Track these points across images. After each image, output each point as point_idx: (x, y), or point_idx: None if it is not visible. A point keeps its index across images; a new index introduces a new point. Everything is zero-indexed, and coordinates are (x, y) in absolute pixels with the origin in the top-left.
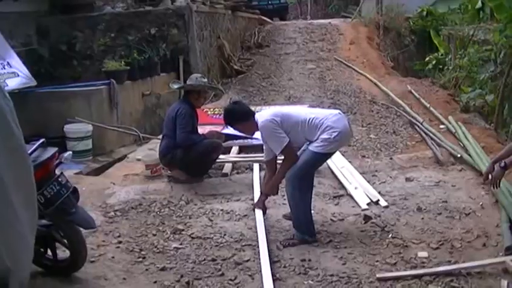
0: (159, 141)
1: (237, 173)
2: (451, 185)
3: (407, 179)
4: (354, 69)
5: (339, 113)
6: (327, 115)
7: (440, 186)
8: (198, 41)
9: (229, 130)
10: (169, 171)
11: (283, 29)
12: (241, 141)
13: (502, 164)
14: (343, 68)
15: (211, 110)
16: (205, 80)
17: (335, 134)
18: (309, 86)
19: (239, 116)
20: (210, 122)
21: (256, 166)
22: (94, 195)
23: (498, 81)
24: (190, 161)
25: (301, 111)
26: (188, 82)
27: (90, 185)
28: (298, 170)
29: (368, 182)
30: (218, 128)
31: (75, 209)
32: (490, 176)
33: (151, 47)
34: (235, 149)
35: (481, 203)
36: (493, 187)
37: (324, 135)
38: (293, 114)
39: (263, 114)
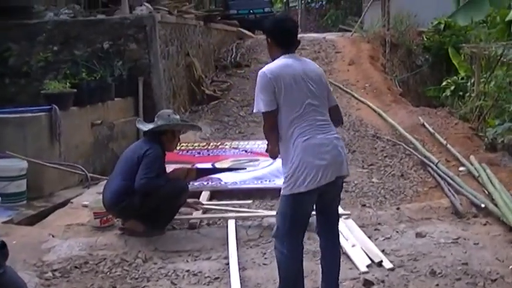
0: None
1: (208, 224)
2: (472, 243)
3: (418, 235)
4: (353, 96)
5: (328, 126)
6: (312, 123)
7: (459, 244)
8: (162, 58)
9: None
10: (122, 222)
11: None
12: (213, 184)
13: None
14: (340, 95)
15: (179, 146)
16: (178, 117)
17: (298, 168)
18: None
19: None
20: (177, 159)
21: (231, 222)
22: (27, 251)
23: None
24: (150, 209)
25: (301, 94)
26: (159, 121)
27: (22, 238)
28: (275, 229)
29: (369, 237)
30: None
31: (2, 270)
32: None
33: (104, 64)
34: (205, 194)
35: (510, 267)
36: None
37: (284, 168)
38: (292, 91)
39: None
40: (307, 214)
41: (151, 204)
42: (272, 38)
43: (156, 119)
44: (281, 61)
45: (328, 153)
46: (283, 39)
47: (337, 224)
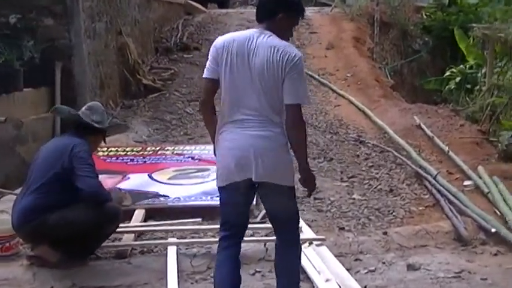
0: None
1: (142, 252)
2: (479, 278)
3: (411, 267)
4: (331, 88)
5: (254, 121)
6: (238, 115)
7: (462, 279)
8: (87, 38)
9: (133, 181)
10: (31, 248)
11: (223, 22)
12: (149, 200)
13: None
14: (315, 87)
15: (106, 150)
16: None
17: (217, 161)
18: None
19: None
20: (106, 168)
21: (172, 249)
22: None
23: None
24: (68, 231)
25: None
26: (94, 116)
27: None
28: None
29: (348, 270)
30: (116, 179)
31: None
32: None
33: (10, 45)
34: (140, 214)
35: None
36: None
37: None
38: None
39: None
40: (232, 213)
41: (73, 228)
42: None
43: (87, 112)
44: (242, 32)
45: (235, 151)
46: (256, 9)
47: (290, 235)
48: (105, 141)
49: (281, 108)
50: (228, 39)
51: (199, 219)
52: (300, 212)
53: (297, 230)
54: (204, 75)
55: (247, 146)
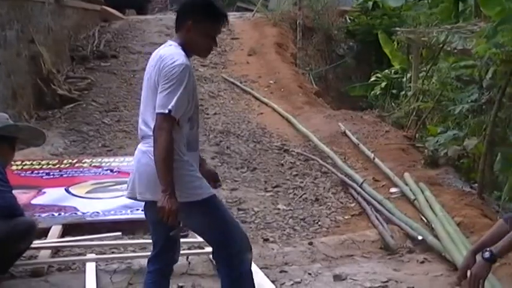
0: None
1: (59, 269)
2: (406, 287)
3: (337, 277)
4: (254, 96)
5: (144, 134)
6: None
7: None
8: None
9: (49, 196)
10: None
11: (141, 29)
12: (66, 215)
13: (487, 255)
14: (237, 95)
15: (20, 164)
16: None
17: None
18: None
19: None
20: (20, 183)
21: (91, 266)
22: None
23: (484, 117)
24: None
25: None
26: None
27: None
28: None
29: (273, 282)
30: (31, 194)
31: None
32: (468, 273)
33: None
34: (56, 229)
35: None
36: None
37: None
38: None
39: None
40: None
41: None
42: None
43: None
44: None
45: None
46: None
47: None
48: (13, 150)
49: None
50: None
51: (119, 234)
52: None
53: (221, 251)
54: None
55: (134, 162)
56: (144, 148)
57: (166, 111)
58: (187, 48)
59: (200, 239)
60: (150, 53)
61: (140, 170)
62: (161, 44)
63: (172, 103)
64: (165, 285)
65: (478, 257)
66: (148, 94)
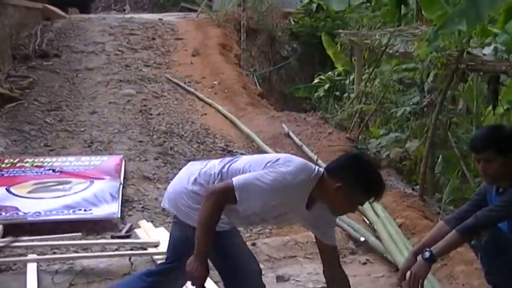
0: None
1: (0, 270)
2: None
3: (280, 278)
4: (197, 96)
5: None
6: None
7: None
8: None
9: None
10: None
11: (85, 28)
12: (7, 215)
13: (427, 255)
14: (181, 95)
15: None
16: None
17: None
18: (124, 123)
19: None
20: None
21: (32, 267)
22: None
23: (426, 120)
24: None
25: None
26: None
27: None
28: None
29: (216, 283)
30: None
31: None
32: (409, 274)
33: None
34: None
35: None
36: None
37: None
38: None
39: None
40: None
41: None
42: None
43: None
44: None
45: None
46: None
47: None
48: None
49: None
50: None
51: (78, 234)
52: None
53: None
54: None
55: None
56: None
57: (236, 195)
58: (322, 196)
59: (143, 240)
60: (93, 52)
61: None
62: (104, 44)
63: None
64: None
65: (419, 259)
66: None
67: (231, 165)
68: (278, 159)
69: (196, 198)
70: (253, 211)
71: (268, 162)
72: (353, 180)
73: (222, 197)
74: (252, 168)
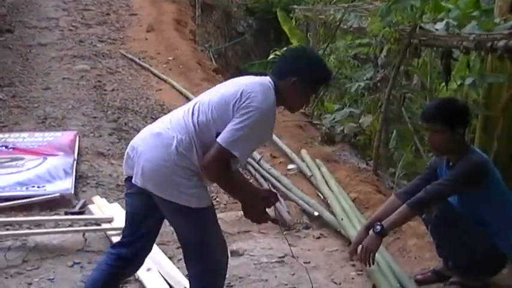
0: None
1: None
2: (303, 262)
3: (235, 253)
4: (152, 72)
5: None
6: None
7: (286, 263)
8: None
9: None
10: None
11: (38, 4)
12: None
13: (378, 229)
14: (136, 71)
15: None
16: None
17: None
18: (78, 99)
19: None
20: None
21: None
22: None
23: (379, 95)
24: None
25: None
26: None
27: None
28: None
29: (170, 258)
30: None
31: None
32: (360, 247)
33: None
34: None
35: None
36: (365, 264)
37: None
38: None
39: None
40: (130, 214)
41: None
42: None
43: None
44: None
45: (132, 142)
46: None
47: (188, 265)
48: None
49: None
50: None
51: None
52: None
53: (196, 263)
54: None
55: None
56: (160, 131)
57: (234, 153)
58: (281, 98)
59: (97, 216)
60: (47, 28)
61: (145, 163)
62: (58, 19)
63: (241, 148)
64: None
65: (371, 233)
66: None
67: (198, 120)
68: (241, 97)
69: (186, 172)
70: (253, 151)
71: (233, 103)
72: (306, 69)
73: (223, 162)
74: (219, 115)
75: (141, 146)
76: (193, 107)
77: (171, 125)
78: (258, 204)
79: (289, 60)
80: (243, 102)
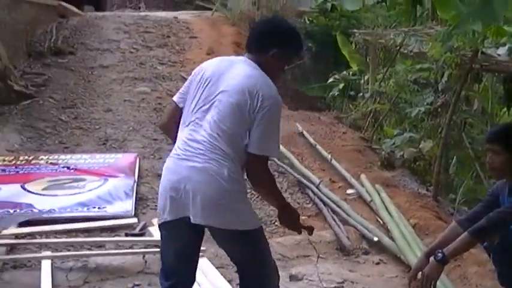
0: None
1: (14, 266)
2: (362, 287)
3: (293, 277)
4: None
5: (198, 151)
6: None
7: None
8: None
9: (4, 193)
10: None
11: (100, 26)
12: (22, 212)
13: (439, 256)
14: None
15: None
16: None
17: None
18: (138, 121)
19: None
20: None
21: (46, 264)
22: None
23: (440, 120)
24: None
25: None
26: None
27: None
28: None
29: (229, 282)
30: None
31: None
32: (420, 275)
33: None
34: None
35: None
36: None
37: None
38: None
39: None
40: (172, 254)
41: None
42: None
43: None
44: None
45: (173, 184)
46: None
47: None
48: None
49: None
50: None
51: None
52: None
53: (258, 278)
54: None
55: (186, 180)
56: (201, 165)
57: (272, 155)
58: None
59: (156, 238)
60: (108, 50)
61: (193, 195)
62: (119, 42)
63: (274, 147)
64: None
65: (431, 260)
66: (233, 119)
67: (225, 139)
68: (251, 99)
69: (240, 196)
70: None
71: (248, 109)
72: (285, 40)
73: (267, 169)
74: (238, 124)
75: (189, 185)
76: (210, 127)
77: (205, 153)
78: (294, 210)
79: (267, 33)
80: (256, 104)
